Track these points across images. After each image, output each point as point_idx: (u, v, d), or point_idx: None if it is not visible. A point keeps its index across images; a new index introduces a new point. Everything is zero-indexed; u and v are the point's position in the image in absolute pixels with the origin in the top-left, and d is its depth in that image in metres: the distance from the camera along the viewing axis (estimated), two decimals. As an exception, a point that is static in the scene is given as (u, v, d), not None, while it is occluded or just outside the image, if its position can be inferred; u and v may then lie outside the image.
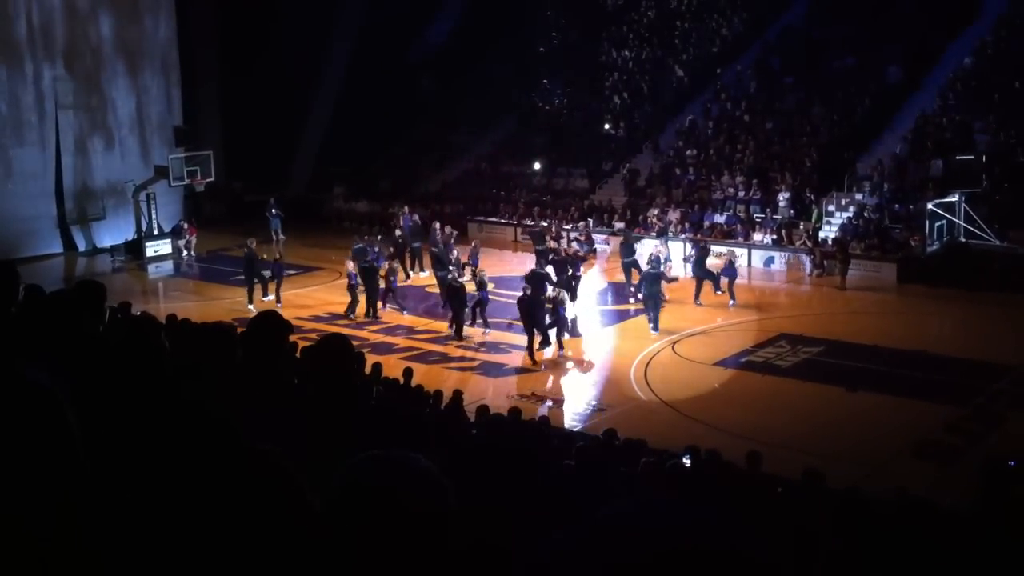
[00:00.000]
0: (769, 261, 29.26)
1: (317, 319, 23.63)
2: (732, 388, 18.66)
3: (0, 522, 1.51)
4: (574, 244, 28.72)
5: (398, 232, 28.77)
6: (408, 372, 15.91)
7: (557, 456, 10.34)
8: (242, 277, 25.32)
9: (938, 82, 32.67)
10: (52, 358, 3.60)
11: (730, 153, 33.77)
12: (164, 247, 32.86)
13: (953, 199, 27.68)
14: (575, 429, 16.22)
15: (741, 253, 28.48)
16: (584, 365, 20.84)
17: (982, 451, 14.58)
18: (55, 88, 33.03)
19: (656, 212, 31.89)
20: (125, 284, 28.52)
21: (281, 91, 37.74)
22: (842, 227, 29.11)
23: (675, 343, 21.37)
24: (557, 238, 28.15)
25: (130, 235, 33.37)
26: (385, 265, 24.53)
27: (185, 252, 33.01)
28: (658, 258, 23.81)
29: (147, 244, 32.47)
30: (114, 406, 3.08)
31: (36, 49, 32.57)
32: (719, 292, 24.33)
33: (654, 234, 30.38)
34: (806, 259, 28.19)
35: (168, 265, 32.25)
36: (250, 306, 23.34)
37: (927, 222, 27.31)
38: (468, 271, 23.58)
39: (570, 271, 23.89)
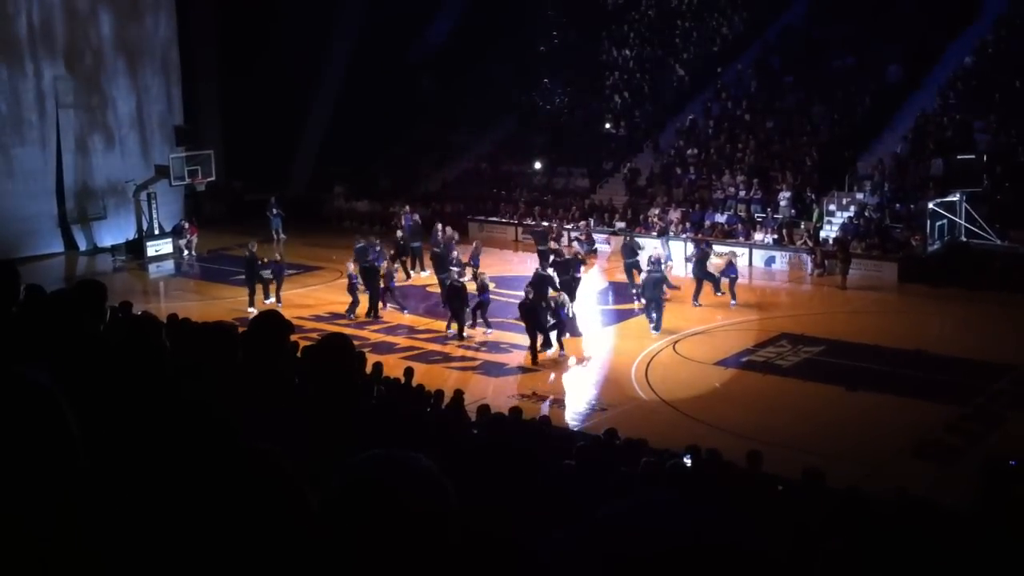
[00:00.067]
0: (770, 261, 29.25)
1: (318, 319, 23.63)
2: (733, 388, 18.66)
3: (0, 522, 1.51)
4: (575, 244, 28.72)
5: (399, 232, 28.76)
6: (409, 372, 15.91)
7: (558, 456, 10.34)
8: (243, 276, 25.32)
9: (938, 81, 32.66)
10: (52, 358, 3.60)
11: (731, 152, 33.77)
12: (165, 246, 32.86)
13: (954, 198, 27.67)
14: (576, 429, 16.22)
15: (742, 253, 28.48)
16: (585, 365, 20.84)
17: (982, 451, 14.58)
18: (56, 87, 33.03)
19: (657, 212, 31.88)
20: (126, 283, 28.53)
21: (281, 90, 37.74)
22: (843, 226, 29.10)
23: (676, 343, 21.37)
24: (558, 238, 28.15)
25: (131, 234, 33.37)
26: (384, 264, 24.54)
27: (186, 251, 33.01)
28: (658, 259, 23.82)
29: (148, 243, 32.47)
30: (114, 406, 3.08)
31: (36, 48, 32.58)
32: (719, 293, 24.33)
33: (655, 234, 30.38)
34: (807, 259, 28.18)
35: (169, 264, 32.25)
36: (251, 308, 23.31)
37: (928, 221, 27.30)
38: (469, 271, 23.58)
39: (571, 272, 23.88)
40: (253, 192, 37.53)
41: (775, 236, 29.57)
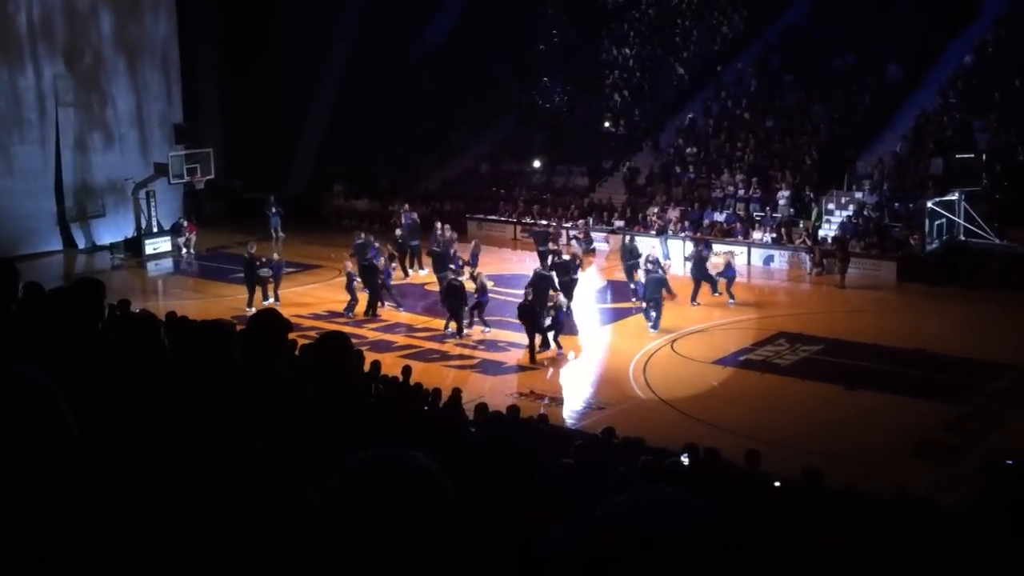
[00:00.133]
0: (769, 259, 29.26)
1: (316, 317, 23.62)
2: (731, 387, 18.66)
3: (-1, 520, 1.51)
4: (573, 243, 28.72)
5: (398, 231, 28.76)
6: (407, 370, 15.91)
7: (556, 454, 10.34)
8: (242, 275, 25.31)
9: (938, 81, 32.66)
10: (51, 356, 3.60)
11: (730, 151, 33.77)
12: (164, 245, 32.84)
13: (953, 198, 27.68)
14: (574, 427, 16.22)
15: (741, 251, 28.50)
16: (583, 363, 20.84)
17: (982, 450, 14.60)
18: (55, 85, 33.01)
19: (656, 210, 31.88)
20: (124, 282, 28.51)
21: (281, 89, 37.73)
22: (842, 225, 29.11)
23: (674, 341, 21.37)
24: (556, 238, 28.16)
25: (130, 232, 33.35)
26: (381, 261, 24.55)
27: (185, 250, 32.99)
28: (656, 260, 23.85)
29: (147, 242, 32.45)
30: (113, 404, 3.08)
31: (36, 46, 32.55)
32: (717, 294, 24.34)
33: (654, 232, 30.39)
34: (806, 257, 28.18)
35: (167, 263, 32.24)
36: (250, 308, 23.26)
37: (927, 221, 27.31)
38: (467, 271, 23.58)
39: (570, 273, 23.87)
40: (253, 190, 37.51)
41: (774, 235, 29.58)
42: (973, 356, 19.55)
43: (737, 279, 25.20)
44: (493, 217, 35.05)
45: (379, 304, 23.92)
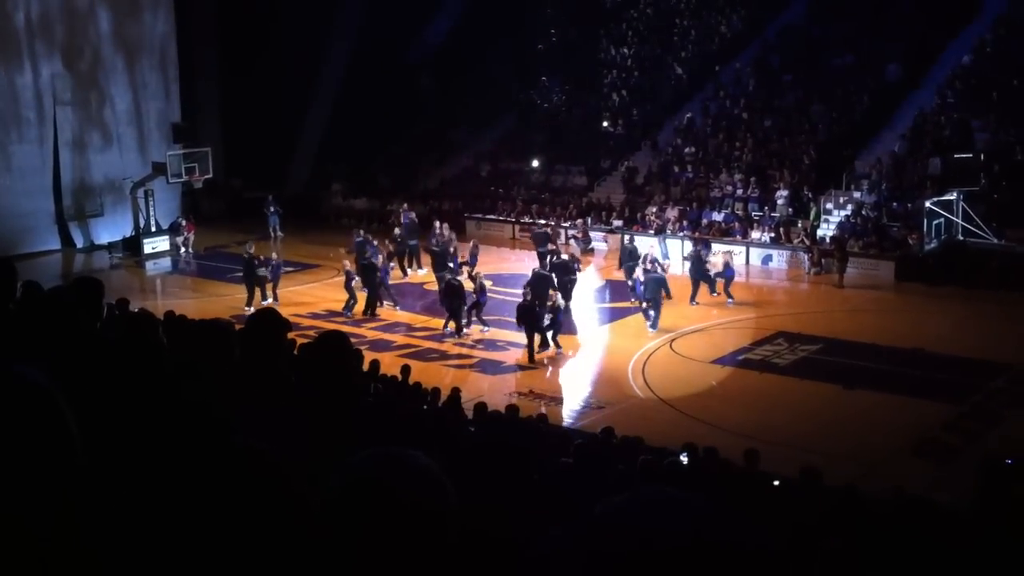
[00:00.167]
0: (767, 259, 29.27)
1: (315, 316, 23.61)
2: (730, 386, 18.67)
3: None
4: (571, 242, 28.73)
5: (397, 230, 28.76)
6: (406, 369, 15.90)
7: (555, 454, 10.33)
8: (240, 274, 25.31)
9: (937, 80, 32.67)
10: (49, 355, 3.59)
11: (728, 151, 33.77)
12: (162, 244, 32.83)
13: (951, 197, 27.70)
14: (573, 427, 16.22)
15: (739, 251, 28.50)
16: (582, 363, 20.85)
17: (980, 449, 14.61)
18: (53, 84, 32.99)
19: (654, 210, 31.88)
20: (123, 281, 28.51)
21: (280, 88, 37.73)
22: (840, 225, 29.12)
23: (673, 341, 21.38)
24: (555, 239, 28.17)
25: (128, 232, 33.34)
26: (380, 259, 24.55)
27: (183, 249, 32.98)
28: (655, 259, 23.83)
29: (145, 241, 32.44)
30: (111, 404, 3.08)
31: (35, 45, 32.54)
32: (715, 294, 24.35)
33: (652, 232, 30.39)
34: (804, 257, 28.18)
35: (166, 262, 32.23)
36: (248, 308, 23.24)
37: (925, 220, 27.32)
38: (466, 271, 23.57)
39: (569, 274, 23.87)
40: (251, 190, 37.51)
41: (772, 235, 29.58)
42: (971, 355, 19.56)
43: (736, 279, 25.21)
44: (492, 217, 35.05)
45: (378, 303, 23.92)
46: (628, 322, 23.08)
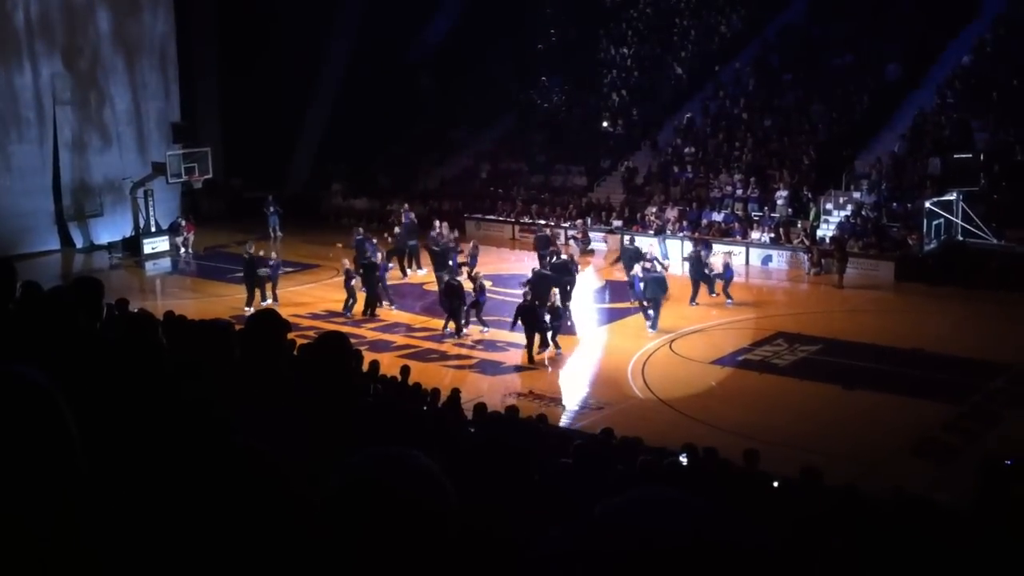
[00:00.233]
0: (767, 259, 29.26)
1: (314, 316, 23.61)
2: (729, 387, 18.66)
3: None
4: (571, 243, 28.72)
5: (397, 229, 28.78)
6: (405, 370, 15.90)
7: (554, 454, 10.34)
8: (240, 274, 25.31)
9: (937, 80, 32.66)
10: (49, 355, 3.59)
11: (728, 151, 33.77)
12: (162, 244, 32.83)
13: (951, 198, 27.69)
14: (572, 427, 16.22)
15: (739, 251, 28.50)
16: (582, 363, 20.84)
17: (980, 449, 14.61)
18: (53, 84, 32.99)
19: (654, 210, 31.88)
20: (123, 281, 28.50)
21: (280, 88, 37.73)
22: (840, 225, 29.11)
23: (672, 341, 21.37)
24: (555, 239, 28.19)
25: (128, 232, 33.34)
26: (379, 257, 24.54)
27: (183, 249, 32.97)
28: (655, 258, 23.81)
29: (145, 241, 32.44)
30: (111, 404, 3.08)
31: (34, 45, 32.53)
32: (714, 294, 24.35)
33: (652, 232, 30.39)
34: (804, 257, 28.18)
35: (166, 262, 32.23)
36: (248, 308, 23.23)
37: (925, 221, 27.32)
38: (465, 271, 23.56)
39: (568, 274, 23.86)
40: (251, 190, 37.52)
41: (772, 235, 29.58)
42: (971, 355, 19.56)
43: (735, 279, 25.22)
44: (491, 217, 35.05)
45: (378, 303, 23.90)
46: (628, 323, 23.07)
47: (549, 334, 20.60)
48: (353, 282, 23.67)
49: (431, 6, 41.56)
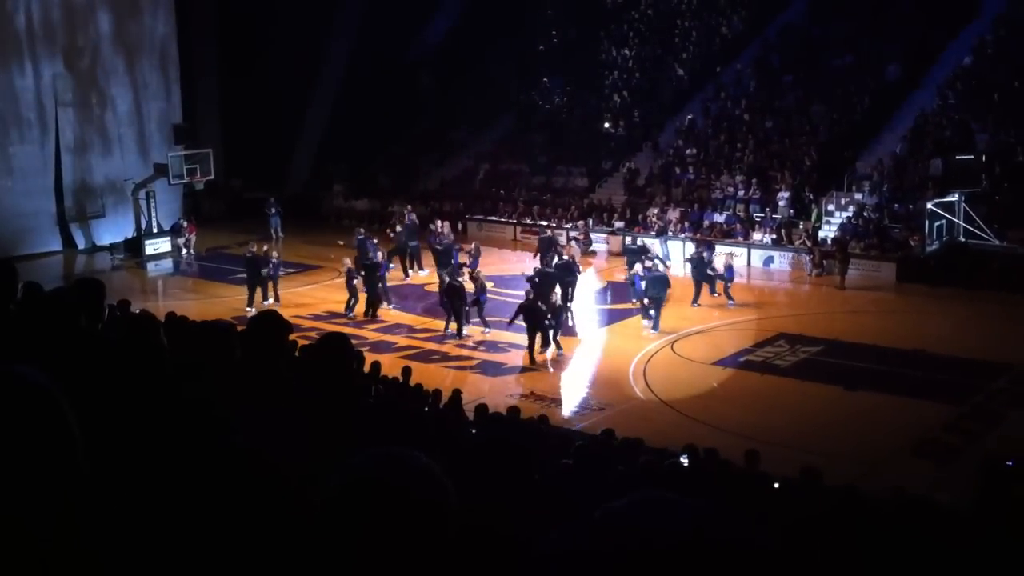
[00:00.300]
0: (768, 260, 29.26)
1: (316, 317, 23.61)
2: (731, 387, 18.66)
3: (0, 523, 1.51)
4: (572, 244, 28.73)
5: (399, 228, 28.80)
6: (407, 371, 15.90)
7: (555, 455, 10.34)
8: (242, 276, 25.32)
9: (937, 81, 32.65)
10: (50, 356, 3.60)
11: (730, 152, 33.76)
12: (163, 245, 32.83)
13: (952, 199, 27.68)
14: (574, 428, 16.22)
15: (740, 253, 28.49)
16: (583, 364, 20.84)
17: (981, 450, 14.60)
18: (54, 85, 33.01)
19: (655, 211, 31.88)
20: (124, 282, 28.50)
21: (281, 89, 37.73)
22: (841, 226, 29.11)
23: (674, 342, 21.37)
24: (558, 241, 28.24)
25: (129, 233, 33.34)
26: (380, 255, 24.53)
27: (184, 250, 32.98)
28: (656, 257, 23.81)
29: (146, 242, 32.43)
30: (113, 405, 3.08)
31: (35, 46, 32.55)
32: (715, 294, 24.34)
33: (653, 233, 30.38)
34: (805, 258, 28.17)
35: (167, 263, 32.24)
36: (250, 308, 23.24)
37: (926, 222, 27.31)
38: (466, 272, 23.56)
39: (569, 275, 23.87)
40: (252, 190, 37.53)
41: (773, 236, 29.58)
42: (973, 356, 19.55)
43: (737, 280, 25.21)
44: (493, 218, 35.05)
45: (379, 304, 23.90)
46: (629, 323, 23.07)
47: (551, 333, 20.58)
48: (355, 281, 23.66)
49: (431, 6, 41.58)
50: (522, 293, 21.50)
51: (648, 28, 41.31)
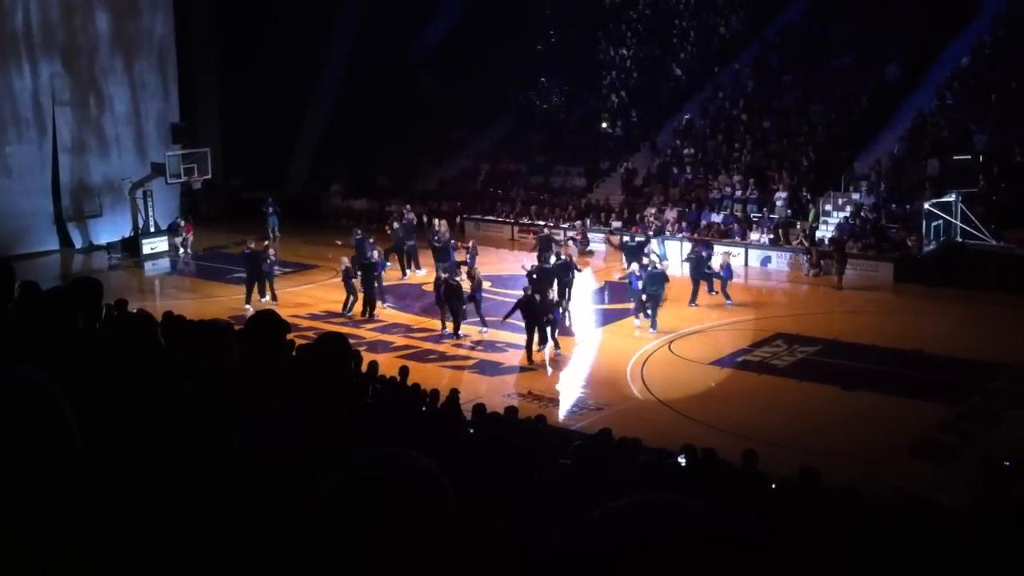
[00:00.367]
0: (766, 260, 29.27)
1: (314, 317, 23.61)
2: (728, 387, 18.67)
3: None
4: (570, 243, 28.74)
5: (396, 225, 28.82)
6: (404, 370, 15.90)
7: (553, 455, 10.34)
8: (240, 275, 25.32)
9: (936, 81, 32.66)
10: (48, 355, 3.59)
11: (727, 152, 33.78)
12: (161, 244, 32.81)
13: (950, 199, 27.70)
14: (572, 428, 16.22)
15: (738, 252, 28.49)
16: (581, 364, 20.84)
17: (979, 450, 14.61)
18: (52, 84, 32.97)
19: (653, 211, 31.88)
20: (122, 281, 28.49)
21: (279, 88, 37.71)
22: (839, 227, 29.13)
23: (671, 342, 21.37)
24: (556, 241, 28.25)
25: (127, 232, 33.32)
26: (376, 254, 24.54)
27: (182, 249, 32.95)
28: (652, 252, 23.80)
29: (144, 241, 32.42)
30: (110, 405, 3.07)
31: (33, 45, 32.52)
32: (713, 292, 24.35)
33: (651, 233, 30.39)
34: (803, 259, 28.19)
35: (165, 262, 32.21)
36: (248, 307, 23.26)
37: (924, 222, 27.33)
38: (464, 270, 23.57)
39: (567, 275, 23.89)
40: (251, 190, 37.51)
41: (771, 236, 29.59)
42: (970, 356, 19.56)
43: (735, 280, 25.21)
44: (491, 218, 35.06)
45: (377, 304, 23.89)
46: (627, 323, 23.07)
47: (548, 330, 20.54)
48: (353, 280, 23.66)
49: (431, 6, 41.58)
50: (519, 292, 21.47)
51: (646, 28, 41.31)
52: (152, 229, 33.11)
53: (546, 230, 29.97)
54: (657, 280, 22.18)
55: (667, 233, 30.48)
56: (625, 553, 1.26)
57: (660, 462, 10.67)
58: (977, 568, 5.63)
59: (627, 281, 23.60)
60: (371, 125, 38.01)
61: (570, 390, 19.28)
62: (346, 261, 24.13)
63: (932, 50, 33.79)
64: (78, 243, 34.03)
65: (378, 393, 12.99)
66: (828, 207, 30.16)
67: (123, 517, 1.84)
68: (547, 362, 20.36)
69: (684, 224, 31.17)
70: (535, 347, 20.22)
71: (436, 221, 28.06)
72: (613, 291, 26.28)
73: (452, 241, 26.61)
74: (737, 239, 29.73)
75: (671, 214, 31.66)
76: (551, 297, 21.06)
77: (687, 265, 25.57)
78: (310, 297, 26.01)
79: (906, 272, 26.58)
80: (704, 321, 23.04)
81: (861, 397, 17.68)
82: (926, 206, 27.43)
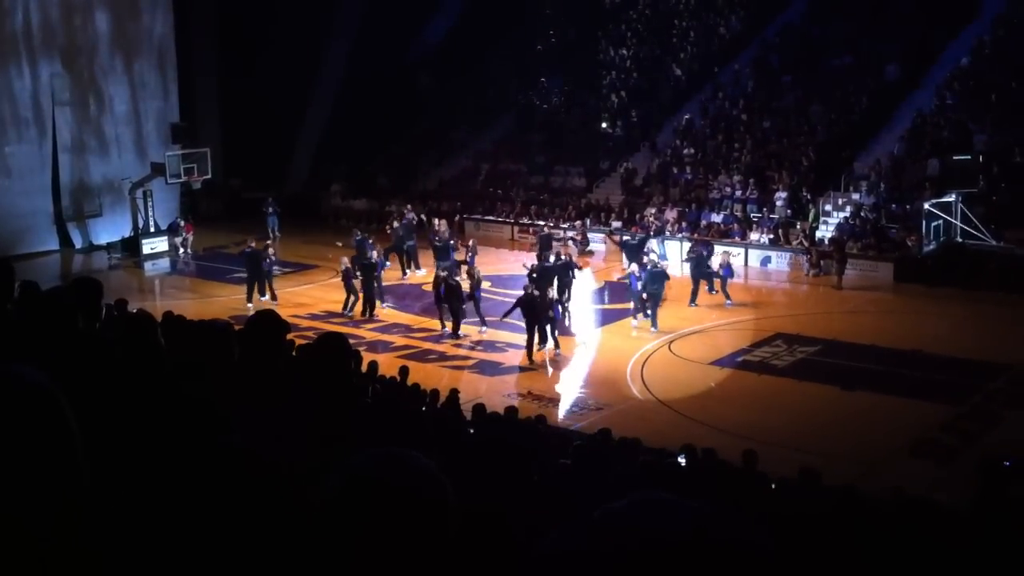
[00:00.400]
0: (766, 260, 29.26)
1: (313, 317, 23.61)
2: (728, 387, 18.67)
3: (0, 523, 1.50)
4: (570, 243, 28.75)
5: (395, 224, 28.81)
6: (404, 370, 15.89)
7: (553, 455, 10.34)
8: (240, 275, 25.33)
9: (936, 81, 32.66)
10: (47, 355, 3.59)
11: (727, 152, 33.78)
12: (161, 244, 32.81)
13: (950, 199, 27.71)
14: (572, 428, 16.22)
15: (738, 252, 28.49)
16: (581, 364, 20.83)
17: (979, 450, 14.60)
18: (52, 84, 32.97)
19: (653, 211, 31.88)
20: (122, 281, 28.49)
21: (279, 88, 37.71)
22: (839, 227, 29.12)
23: (671, 342, 21.37)
24: (556, 240, 28.27)
25: (127, 232, 33.32)
26: (375, 254, 24.55)
27: (182, 249, 32.95)
28: (651, 250, 23.80)
29: (144, 241, 32.42)
30: (110, 404, 3.07)
31: (33, 45, 32.52)
32: (713, 291, 24.34)
33: (651, 233, 30.38)
34: (803, 259, 28.18)
35: (165, 262, 32.21)
36: (249, 305, 23.28)
37: (924, 222, 27.34)
38: (464, 270, 23.57)
39: (567, 275, 23.90)
40: (251, 190, 37.52)
41: (771, 236, 29.59)
42: (970, 356, 19.56)
43: (734, 280, 25.21)
44: (491, 218, 35.06)
45: (377, 304, 23.89)
46: (626, 324, 23.06)
47: (548, 328, 20.54)
48: (353, 280, 23.67)
49: (431, 6, 41.58)
50: (519, 292, 21.46)
51: (646, 28, 41.31)
52: (152, 229, 33.11)
53: (546, 230, 29.98)
54: (657, 279, 22.18)
55: (667, 233, 30.48)
56: (625, 553, 1.26)
57: (660, 462, 10.67)
58: (977, 568, 5.63)
59: (627, 281, 23.61)
60: (371, 125, 38.01)
61: (570, 390, 19.28)
62: (346, 261, 24.13)
63: (932, 50, 33.78)
64: (78, 243, 34.03)
65: (378, 393, 12.99)
66: (828, 207, 30.16)
67: (123, 517, 1.84)
68: (547, 362, 20.36)
69: (684, 224, 31.17)
70: (535, 346, 20.22)
71: (436, 221, 28.08)
72: (613, 291, 26.29)
73: (452, 240, 26.61)
74: (737, 239, 29.73)
75: (671, 214, 31.66)
76: (551, 295, 21.06)
77: (687, 265, 25.57)
78: (310, 297, 26.01)
79: (906, 272, 26.58)
80: (704, 321, 23.04)
81: (861, 397, 17.68)
82: (926, 206, 27.43)
